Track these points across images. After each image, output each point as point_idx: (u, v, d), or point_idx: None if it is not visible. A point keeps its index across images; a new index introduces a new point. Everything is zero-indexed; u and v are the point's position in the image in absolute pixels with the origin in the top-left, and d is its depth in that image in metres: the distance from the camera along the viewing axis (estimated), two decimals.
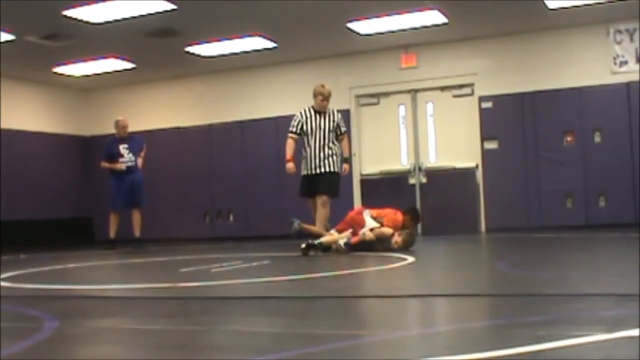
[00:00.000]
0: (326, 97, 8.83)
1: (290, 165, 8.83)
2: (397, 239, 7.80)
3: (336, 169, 8.85)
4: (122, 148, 11.26)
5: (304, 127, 8.82)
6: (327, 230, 8.39)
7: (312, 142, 8.79)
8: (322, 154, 8.77)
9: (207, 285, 5.29)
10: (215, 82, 13.77)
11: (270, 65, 13.15)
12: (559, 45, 11.45)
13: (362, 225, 7.93)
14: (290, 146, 8.87)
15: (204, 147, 13.65)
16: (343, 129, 8.99)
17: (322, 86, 8.90)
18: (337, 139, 8.91)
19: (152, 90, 14.32)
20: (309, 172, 8.82)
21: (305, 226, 8.37)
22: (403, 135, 12.55)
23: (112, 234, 11.30)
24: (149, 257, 9.10)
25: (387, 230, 7.86)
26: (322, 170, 8.77)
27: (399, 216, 8.19)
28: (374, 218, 8.05)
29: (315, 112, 8.85)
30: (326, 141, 8.77)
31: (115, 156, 11.24)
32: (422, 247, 8.18)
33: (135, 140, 11.49)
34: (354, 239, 7.85)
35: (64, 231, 13.76)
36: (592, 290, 4.00)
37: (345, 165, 9.07)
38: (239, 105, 13.51)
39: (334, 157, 8.84)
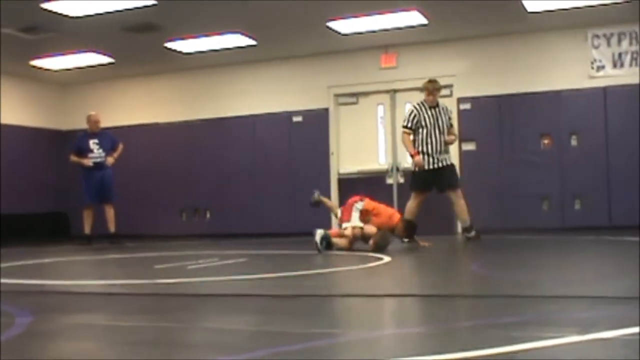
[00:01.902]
0: (430, 92, 8.90)
1: (419, 159, 8.83)
2: (371, 240, 7.81)
3: (452, 161, 9.08)
4: (92, 143, 11.18)
5: (421, 122, 8.84)
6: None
7: (431, 136, 8.81)
8: (442, 148, 8.83)
9: (182, 282, 5.28)
10: (194, 78, 13.71)
11: (249, 62, 13.12)
12: (538, 48, 11.52)
13: (348, 220, 7.94)
14: (409, 141, 8.95)
15: (181, 144, 13.59)
16: (451, 121, 9.12)
17: (427, 81, 9.05)
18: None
19: (130, 86, 14.24)
20: (436, 165, 8.82)
21: (324, 199, 8.86)
22: (381, 135, 12.57)
23: (86, 229, 11.22)
24: (125, 253, 9.05)
25: (369, 231, 7.86)
26: (445, 163, 8.86)
27: (395, 219, 8.16)
28: (367, 211, 8.03)
29: (429, 106, 8.90)
30: (444, 135, 8.84)
31: (85, 151, 11.15)
32: (398, 247, 8.20)
33: (107, 137, 11.40)
34: (334, 233, 7.85)
35: (40, 226, 13.65)
36: (566, 293, 4.03)
37: (452, 137, 9.07)
38: (217, 102, 13.47)
39: (449, 149, 9.00)
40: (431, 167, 8.80)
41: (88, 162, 11.08)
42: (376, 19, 10.62)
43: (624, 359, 2.32)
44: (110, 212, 11.24)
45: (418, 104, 8.98)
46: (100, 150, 11.17)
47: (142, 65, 13.39)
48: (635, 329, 2.66)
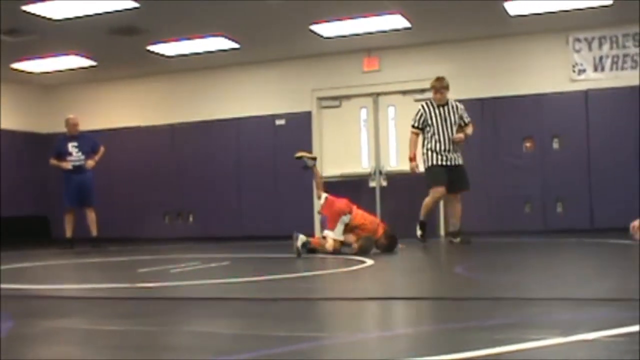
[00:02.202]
0: (438, 90, 8.83)
1: (413, 165, 8.87)
2: (355, 245, 7.80)
3: (463, 162, 8.93)
4: (71, 146, 11.11)
5: (428, 121, 8.78)
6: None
7: (438, 135, 8.73)
8: (450, 146, 8.74)
9: (165, 286, 5.25)
10: (178, 81, 13.68)
11: (232, 66, 13.10)
12: (520, 52, 11.59)
13: (332, 228, 7.88)
14: (413, 142, 8.92)
15: (165, 147, 13.56)
16: (467, 119, 8.96)
17: (434, 79, 8.98)
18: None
19: (113, 89, 14.18)
20: (447, 163, 8.75)
21: (316, 170, 8.80)
22: (364, 138, 12.59)
23: (68, 232, 11.16)
24: (108, 257, 9.01)
25: (349, 240, 7.85)
26: (455, 162, 8.79)
27: (379, 232, 8.05)
28: (353, 227, 7.96)
29: (438, 105, 8.82)
30: (453, 134, 8.75)
31: (64, 155, 11.08)
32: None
33: (87, 139, 11.32)
34: (315, 241, 7.83)
35: (21, 229, 13.55)
36: (549, 295, 4.05)
37: (461, 136, 8.86)
38: (201, 105, 13.44)
39: (460, 150, 8.90)
40: (441, 163, 8.73)
41: (67, 165, 11.01)
42: (359, 22, 10.64)
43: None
44: (91, 216, 11.17)
45: (426, 103, 8.96)
46: (80, 154, 11.09)
47: (124, 68, 13.34)
48: (617, 331, 2.68)
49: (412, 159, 8.87)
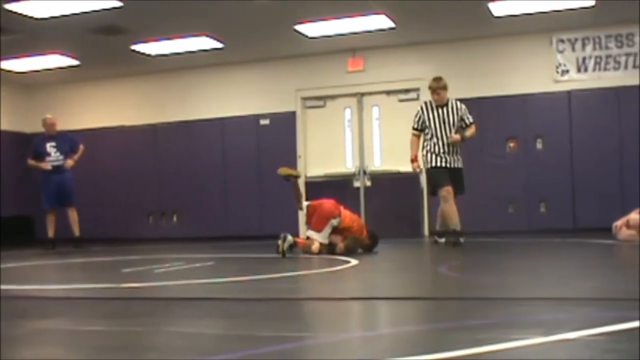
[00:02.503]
0: (434, 90, 8.58)
1: (414, 166, 8.73)
2: (341, 245, 7.81)
3: (462, 165, 8.69)
4: (49, 146, 11.02)
5: (426, 122, 8.57)
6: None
7: (437, 136, 8.50)
8: (449, 148, 8.50)
9: (150, 286, 5.24)
10: (161, 81, 13.63)
11: (216, 65, 13.08)
12: (504, 52, 11.64)
13: (318, 230, 7.85)
14: (413, 144, 8.76)
15: (148, 147, 13.52)
16: (469, 120, 8.65)
17: (432, 79, 8.72)
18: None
19: (96, 88, 14.11)
20: (446, 164, 8.49)
21: (298, 186, 8.51)
22: (348, 138, 12.60)
23: (50, 233, 11.08)
24: (92, 257, 8.98)
25: (334, 241, 7.86)
26: (456, 165, 8.58)
27: (363, 234, 8.08)
28: (341, 229, 7.97)
29: (437, 106, 8.58)
30: (452, 134, 8.48)
31: (42, 155, 10.98)
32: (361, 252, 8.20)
33: (65, 139, 11.24)
34: (300, 241, 7.83)
35: (4, 230, 13.46)
36: (532, 294, 4.08)
37: (458, 137, 8.49)
38: (185, 105, 13.41)
39: (460, 152, 8.66)
40: (441, 165, 8.49)
41: (46, 165, 10.93)
42: (344, 22, 10.65)
43: (587, 359, 2.35)
44: (73, 216, 11.07)
45: (425, 103, 8.75)
46: (58, 154, 11.01)
47: (108, 68, 13.28)
48: (598, 330, 2.70)
49: (413, 160, 8.74)
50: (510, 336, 2.66)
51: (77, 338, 3.12)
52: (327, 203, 8.11)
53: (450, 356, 2.37)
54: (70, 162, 11.02)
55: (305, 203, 8.32)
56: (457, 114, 8.56)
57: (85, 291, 5.11)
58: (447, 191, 8.44)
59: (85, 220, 11.35)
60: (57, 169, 10.96)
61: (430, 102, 8.67)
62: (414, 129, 8.75)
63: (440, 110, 8.57)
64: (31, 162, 11.10)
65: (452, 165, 8.53)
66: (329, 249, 7.80)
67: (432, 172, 8.58)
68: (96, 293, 4.92)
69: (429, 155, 8.57)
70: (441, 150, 8.49)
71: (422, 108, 8.71)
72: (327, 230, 7.87)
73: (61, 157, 11.00)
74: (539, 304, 3.65)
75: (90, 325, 3.43)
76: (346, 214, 8.10)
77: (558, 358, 2.40)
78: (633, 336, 2.65)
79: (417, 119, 8.70)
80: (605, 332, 2.68)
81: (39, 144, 11.11)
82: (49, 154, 10.98)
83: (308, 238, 7.92)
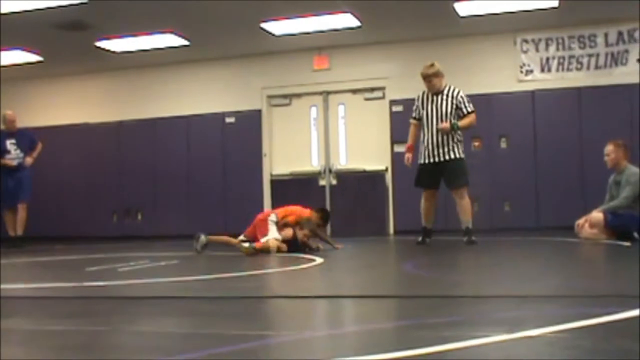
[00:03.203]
0: (424, 78, 8.03)
1: (407, 157, 8.27)
2: (301, 233, 7.84)
3: (460, 154, 8.06)
4: (9, 144, 10.87)
5: (421, 111, 8.12)
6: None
7: (428, 127, 8.02)
8: (440, 140, 7.96)
9: (113, 285, 5.20)
10: (126, 78, 13.53)
11: (182, 63, 13.02)
12: (469, 52, 11.72)
13: (265, 234, 7.86)
14: (410, 133, 8.26)
15: (113, 144, 13.40)
16: (466, 110, 8.05)
17: (424, 66, 8.14)
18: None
19: (60, 85, 13.96)
20: (428, 160, 8.04)
21: (212, 238, 8.14)
22: (314, 136, 12.62)
23: (11, 232, 10.91)
24: (55, 256, 8.88)
25: (287, 235, 7.86)
26: (448, 157, 7.98)
27: (306, 213, 8.15)
28: (282, 218, 7.99)
29: (432, 94, 8.07)
30: (441, 122, 7.95)
31: (2, 152, 10.83)
32: (331, 248, 8.22)
33: (25, 136, 11.08)
34: (258, 245, 7.80)
35: None
36: (495, 292, 4.11)
37: (446, 125, 7.94)
38: (150, 102, 13.32)
39: (457, 142, 8.04)
40: (428, 160, 8.07)
41: (12, 162, 10.77)
42: (310, 20, 10.66)
43: (549, 357, 2.38)
44: (22, 214, 10.84)
45: (423, 92, 8.21)
46: (18, 151, 10.87)
47: (72, 64, 13.15)
48: (561, 327, 2.73)
49: (407, 150, 8.34)
50: (474, 333, 2.67)
51: (38, 338, 3.08)
52: (259, 215, 8.28)
53: (414, 354, 2.38)
54: (29, 160, 10.88)
55: (233, 239, 8.17)
56: (452, 102, 8.03)
57: (47, 290, 5.05)
58: (424, 194, 8.23)
59: (49, 217, 11.22)
60: (16, 167, 10.80)
61: (425, 91, 8.23)
62: (412, 117, 8.32)
63: (434, 99, 8.07)
64: None
65: (443, 158, 8.00)
66: (298, 246, 7.80)
67: (418, 169, 8.24)
68: (59, 292, 4.86)
69: (421, 148, 8.18)
70: (431, 141, 8.02)
71: (418, 97, 8.27)
72: (272, 227, 7.88)
73: (21, 155, 10.85)
74: (502, 302, 3.68)
75: (52, 325, 3.39)
76: (279, 209, 8.23)
77: (521, 355, 2.42)
78: (594, 333, 2.68)
79: (414, 107, 8.29)
80: (567, 329, 2.71)
81: None
82: (8, 152, 10.82)
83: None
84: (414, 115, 8.32)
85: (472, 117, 8.11)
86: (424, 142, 8.13)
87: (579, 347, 2.46)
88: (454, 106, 8.03)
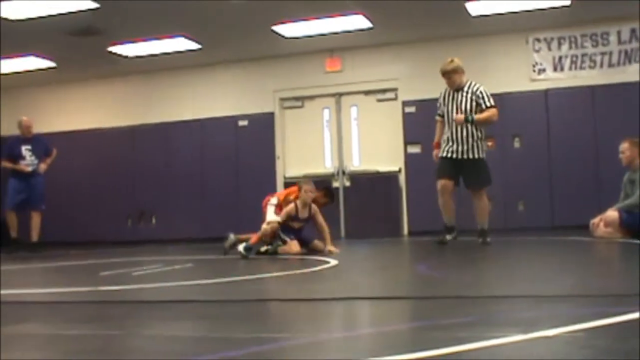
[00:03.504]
0: (443, 74, 8.00)
1: (434, 153, 8.16)
2: (304, 195, 7.96)
3: (480, 155, 7.94)
4: (25, 149, 10.95)
5: (442, 108, 8.05)
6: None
7: (449, 123, 7.93)
8: (461, 137, 7.86)
9: (127, 289, 5.21)
10: (139, 83, 13.58)
11: (194, 66, 13.05)
12: (481, 52, 11.67)
13: (265, 219, 7.98)
14: (437, 130, 8.16)
15: (126, 149, 13.44)
16: (486, 104, 7.88)
17: (444, 62, 8.10)
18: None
19: (73, 90, 14.02)
20: (451, 154, 7.91)
21: (241, 237, 8.15)
22: (327, 138, 12.62)
23: (12, 233, 10.97)
24: (69, 261, 8.91)
25: (280, 215, 7.99)
26: (469, 156, 7.88)
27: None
28: (283, 199, 8.09)
29: (453, 90, 7.99)
30: (456, 114, 7.86)
31: (17, 158, 10.91)
32: (344, 250, 8.23)
33: (40, 142, 11.17)
34: (253, 239, 7.81)
35: None
36: (510, 292, 4.09)
37: (460, 116, 7.84)
38: (163, 106, 13.36)
39: (477, 140, 7.92)
40: (448, 155, 7.94)
41: (26, 167, 10.84)
42: (321, 22, 10.66)
43: (565, 357, 2.36)
44: (36, 220, 10.94)
45: (444, 89, 8.15)
46: (33, 157, 10.94)
47: (85, 70, 13.20)
48: (576, 327, 2.71)
49: (434, 146, 8.22)
50: (489, 334, 2.66)
51: (55, 342, 3.09)
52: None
53: (429, 355, 2.37)
54: (43, 167, 10.96)
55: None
56: (472, 98, 7.91)
57: (63, 295, 5.07)
58: (441, 185, 8.02)
59: (63, 223, 11.27)
60: (31, 173, 10.86)
61: (447, 88, 8.15)
62: (437, 114, 8.20)
63: (455, 95, 7.98)
64: (6, 163, 10.98)
65: (464, 156, 7.90)
66: (299, 219, 7.90)
67: (438, 162, 8.14)
68: (74, 297, 4.88)
69: (442, 144, 8.08)
70: (451, 138, 7.93)
71: (440, 93, 8.19)
72: (270, 209, 8.07)
73: (36, 161, 10.92)
74: (517, 302, 3.66)
75: (68, 330, 3.40)
76: (281, 192, 8.51)
77: (537, 355, 2.41)
78: (610, 332, 2.67)
79: (438, 104, 8.18)
80: (583, 329, 2.69)
81: (14, 146, 11.02)
82: (23, 157, 10.89)
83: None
84: (438, 112, 8.22)
85: (492, 111, 7.93)
86: (445, 138, 8.05)
87: (594, 347, 2.44)
88: (474, 102, 7.92)
